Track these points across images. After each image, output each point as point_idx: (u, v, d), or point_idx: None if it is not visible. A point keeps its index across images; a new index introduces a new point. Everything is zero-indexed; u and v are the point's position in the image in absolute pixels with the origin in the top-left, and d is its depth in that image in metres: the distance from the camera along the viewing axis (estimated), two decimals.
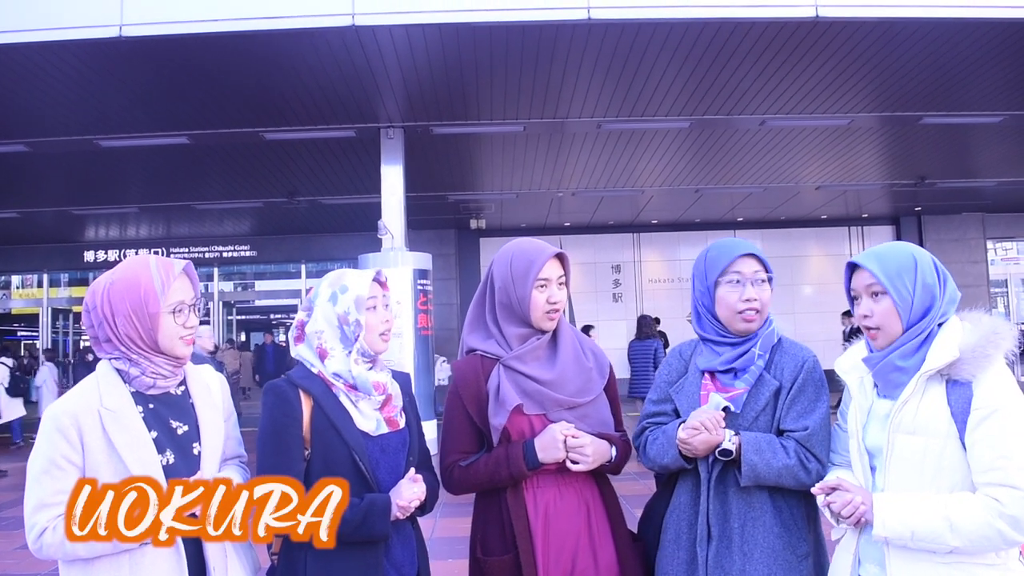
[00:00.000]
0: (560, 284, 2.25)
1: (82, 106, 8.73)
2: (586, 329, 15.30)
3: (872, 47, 7.76)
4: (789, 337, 2.25)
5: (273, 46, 7.38)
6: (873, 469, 1.95)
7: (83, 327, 1.98)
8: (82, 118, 9.13)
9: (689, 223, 17.37)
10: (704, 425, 2.02)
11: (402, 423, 2.19)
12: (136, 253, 16.33)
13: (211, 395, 2.08)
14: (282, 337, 20.37)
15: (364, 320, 2.10)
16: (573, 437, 2.11)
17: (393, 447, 2.14)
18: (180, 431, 1.95)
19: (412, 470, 2.09)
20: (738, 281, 2.14)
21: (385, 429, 2.13)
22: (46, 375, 13.26)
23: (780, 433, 2.10)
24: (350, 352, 2.10)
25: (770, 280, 2.16)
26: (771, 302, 2.20)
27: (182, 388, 2.03)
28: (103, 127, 9.49)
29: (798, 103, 9.44)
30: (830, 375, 2.11)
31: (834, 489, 1.91)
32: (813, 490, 1.98)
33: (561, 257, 2.28)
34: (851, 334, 12.89)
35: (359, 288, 2.12)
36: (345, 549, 1.99)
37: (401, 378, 2.29)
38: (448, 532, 5.93)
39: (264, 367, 15.46)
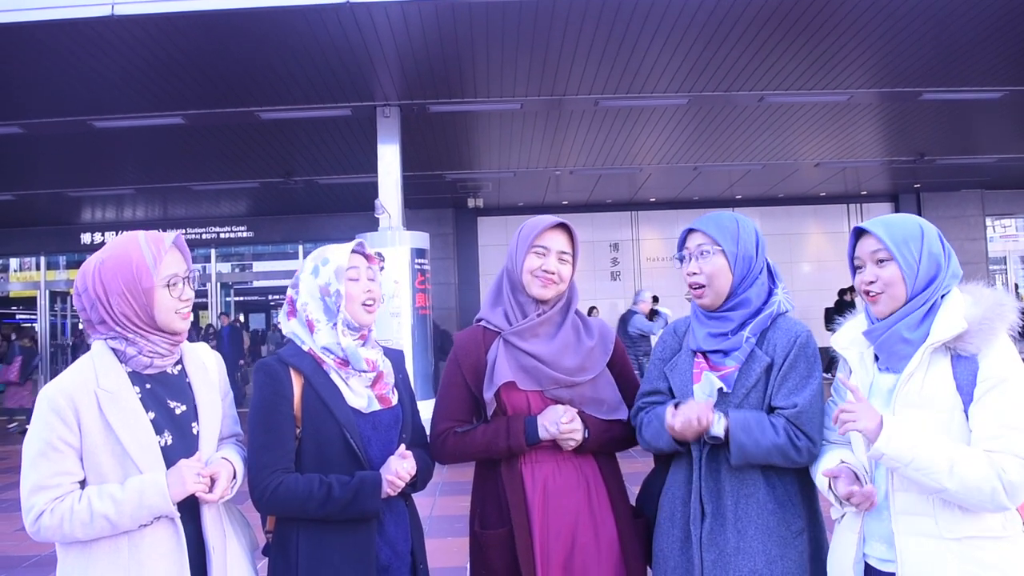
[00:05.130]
0: (562, 258, 2.25)
1: (76, 86, 8.66)
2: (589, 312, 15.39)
3: (872, 22, 7.69)
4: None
5: (267, 24, 7.31)
6: None
7: (76, 311, 1.96)
8: (76, 99, 9.05)
9: (687, 201, 17.32)
10: (691, 419, 1.99)
11: (394, 400, 2.19)
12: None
13: (208, 374, 2.06)
14: (242, 319, 20.23)
15: (344, 290, 2.09)
16: (564, 429, 2.13)
17: (385, 424, 2.14)
18: (178, 411, 1.94)
19: (402, 446, 2.09)
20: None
21: (377, 406, 2.13)
22: None
23: (771, 410, 2.08)
24: (335, 324, 2.10)
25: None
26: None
27: (179, 367, 2.01)
28: (97, 107, 9.40)
29: (797, 79, 9.37)
30: (824, 352, 2.09)
31: (836, 477, 1.91)
32: (820, 476, 1.98)
33: (570, 232, 2.28)
34: (835, 311, 12.80)
35: (339, 259, 2.11)
36: (337, 526, 2.00)
37: (394, 355, 2.29)
38: (447, 511, 5.96)
39: (220, 351, 14.70)
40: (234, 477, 1.97)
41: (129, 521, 1.78)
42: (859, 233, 2.00)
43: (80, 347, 16.73)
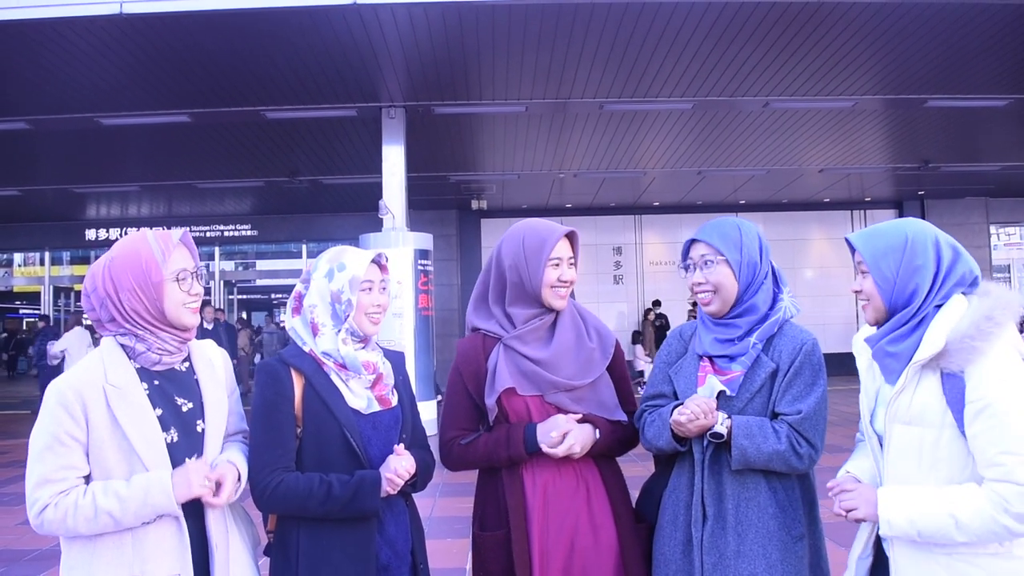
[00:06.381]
0: (571, 263, 2.27)
1: (83, 83, 8.69)
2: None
3: (878, 28, 7.70)
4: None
5: (274, 24, 7.33)
6: (883, 449, 1.94)
7: (84, 311, 1.97)
8: (83, 96, 9.08)
9: (691, 205, 17.31)
10: (697, 412, 2.01)
11: (394, 401, 2.20)
12: (137, 231, 16.08)
13: (215, 371, 2.08)
14: (244, 316, 20.23)
15: (355, 300, 2.10)
16: (559, 443, 2.13)
17: (385, 425, 2.15)
18: (185, 408, 1.96)
19: (400, 445, 2.10)
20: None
21: (377, 407, 2.14)
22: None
23: (775, 416, 2.09)
24: (339, 331, 2.11)
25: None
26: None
27: (186, 364, 2.03)
28: (104, 105, 9.44)
29: (802, 85, 9.38)
30: (835, 358, 2.10)
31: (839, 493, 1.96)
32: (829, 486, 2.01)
33: (572, 237, 2.30)
34: None
35: (356, 268, 2.12)
36: (337, 525, 2.02)
37: (394, 357, 2.30)
38: (447, 512, 5.97)
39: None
40: (239, 480, 1.98)
41: (132, 518, 1.79)
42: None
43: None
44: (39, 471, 1.79)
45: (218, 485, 1.90)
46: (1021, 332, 1.85)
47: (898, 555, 1.85)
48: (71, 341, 11.52)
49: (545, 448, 2.12)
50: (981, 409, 1.72)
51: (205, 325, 13.16)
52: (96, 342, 14.05)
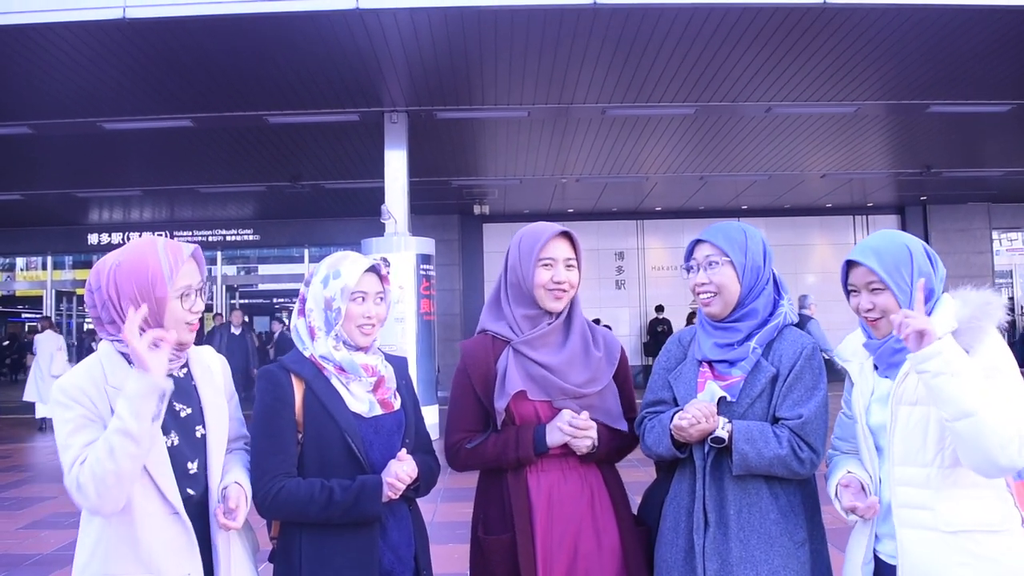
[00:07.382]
0: (568, 266, 2.25)
1: (86, 88, 8.72)
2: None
3: (880, 34, 7.71)
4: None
5: (277, 29, 7.36)
6: (879, 449, 1.99)
7: (86, 307, 1.96)
8: (86, 100, 9.11)
9: (693, 210, 17.32)
10: (698, 416, 2.01)
11: (397, 405, 2.19)
12: (140, 236, 15.98)
13: (213, 376, 2.07)
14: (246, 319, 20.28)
15: (345, 309, 2.09)
16: (578, 425, 2.13)
17: (387, 429, 2.14)
18: (183, 414, 1.95)
19: (403, 450, 2.09)
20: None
21: (379, 411, 2.13)
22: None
23: (776, 420, 2.09)
24: (329, 337, 2.11)
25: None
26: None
27: (184, 370, 2.02)
28: (107, 109, 9.47)
29: (804, 90, 9.39)
30: (831, 363, 2.11)
31: (847, 487, 1.99)
32: (832, 485, 2.03)
33: (571, 238, 2.29)
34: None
35: (350, 277, 2.11)
36: (340, 530, 2.01)
37: (396, 361, 2.29)
38: (449, 517, 5.96)
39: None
40: (247, 502, 1.98)
41: (136, 419, 1.73)
42: (850, 262, 2.04)
43: (84, 346, 16.83)
44: (71, 455, 1.76)
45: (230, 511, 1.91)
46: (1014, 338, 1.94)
47: (904, 537, 1.89)
48: (41, 341, 12.82)
49: (564, 428, 2.12)
50: (989, 374, 1.81)
51: (233, 330, 13.36)
52: (83, 345, 14.21)
